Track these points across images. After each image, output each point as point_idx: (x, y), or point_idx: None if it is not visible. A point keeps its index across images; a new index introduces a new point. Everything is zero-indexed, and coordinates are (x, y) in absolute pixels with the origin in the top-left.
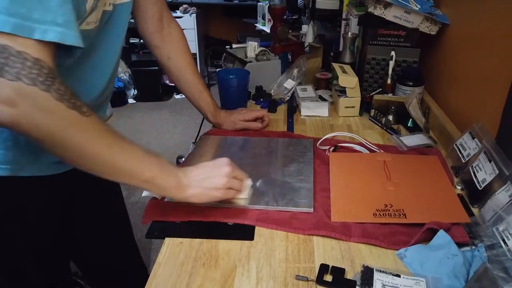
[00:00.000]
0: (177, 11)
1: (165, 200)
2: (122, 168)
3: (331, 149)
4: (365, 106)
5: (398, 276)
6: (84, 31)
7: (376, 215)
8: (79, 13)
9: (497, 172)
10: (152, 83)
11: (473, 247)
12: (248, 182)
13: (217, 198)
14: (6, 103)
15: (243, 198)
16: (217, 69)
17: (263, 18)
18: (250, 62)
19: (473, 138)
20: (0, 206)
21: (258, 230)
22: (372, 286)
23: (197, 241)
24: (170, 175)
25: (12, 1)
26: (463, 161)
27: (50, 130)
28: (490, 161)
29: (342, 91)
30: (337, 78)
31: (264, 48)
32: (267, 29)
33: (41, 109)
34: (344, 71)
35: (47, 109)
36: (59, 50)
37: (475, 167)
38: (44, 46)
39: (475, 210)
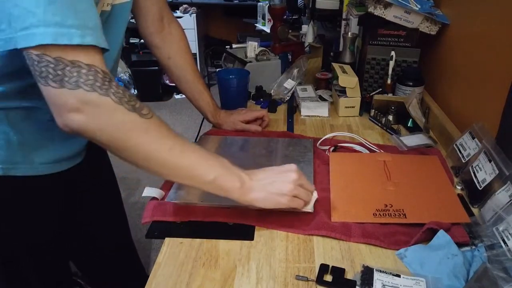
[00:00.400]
0: (177, 11)
1: (166, 199)
2: (185, 170)
3: (331, 149)
4: (365, 106)
5: (398, 276)
6: None
7: (376, 215)
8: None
9: (497, 172)
10: (152, 83)
11: (473, 247)
12: (315, 194)
13: (282, 205)
14: (73, 111)
15: (308, 211)
16: (217, 69)
17: (263, 18)
18: (250, 62)
19: (473, 138)
20: None
21: (258, 230)
22: (372, 286)
23: (197, 241)
24: (234, 177)
25: (46, 11)
26: (463, 161)
27: (112, 133)
28: (490, 161)
29: (342, 91)
30: (337, 78)
31: (264, 48)
32: (267, 29)
33: (103, 113)
34: (344, 71)
35: (109, 113)
36: None
37: (475, 167)
38: (92, 51)
39: (475, 210)
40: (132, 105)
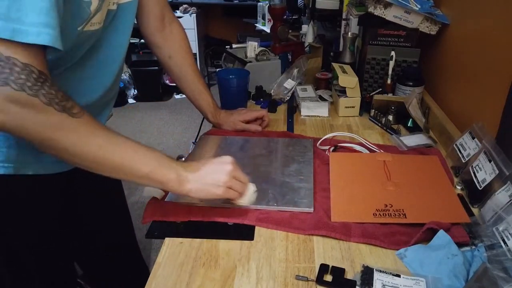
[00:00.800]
0: (177, 11)
1: (166, 199)
2: (117, 166)
3: (331, 149)
4: (365, 106)
5: (398, 276)
6: (88, 32)
7: (376, 215)
8: (82, 15)
9: (497, 172)
10: (152, 83)
11: (473, 247)
12: (252, 187)
13: (216, 195)
14: None
15: (244, 203)
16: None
17: (263, 18)
18: (250, 62)
19: (473, 138)
20: (3, 204)
21: (258, 230)
22: (372, 286)
23: (197, 241)
24: (169, 170)
25: (10, 6)
26: (463, 161)
27: (39, 133)
28: (490, 161)
29: (342, 91)
30: (337, 78)
31: (264, 48)
32: (267, 29)
33: (29, 114)
34: (344, 71)
35: (35, 113)
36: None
37: (475, 167)
38: (34, 50)
39: (475, 210)
40: (63, 106)
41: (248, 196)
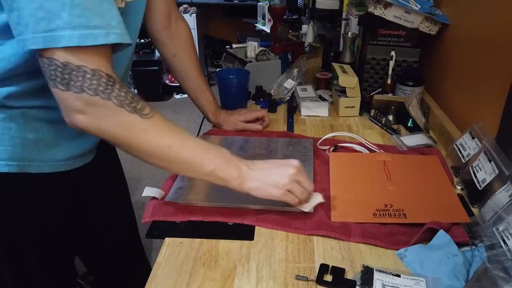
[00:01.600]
0: None
1: (166, 199)
2: (185, 163)
3: (331, 149)
4: (365, 106)
5: (398, 276)
6: None
7: (376, 215)
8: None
9: (497, 172)
10: (152, 83)
11: (473, 247)
12: (318, 197)
13: (274, 197)
14: (78, 112)
15: (304, 210)
16: (217, 69)
17: (263, 18)
18: (250, 62)
19: (473, 138)
20: (7, 202)
21: (258, 230)
22: (372, 286)
23: (197, 241)
24: (232, 167)
25: (71, 14)
26: (463, 161)
27: (115, 134)
28: (490, 161)
29: (342, 91)
30: (337, 78)
31: (264, 48)
32: (267, 29)
33: (106, 116)
34: (344, 71)
35: (110, 115)
36: None
37: (475, 167)
38: (100, 54)
39: (475, 210)
40: (133, 107)
41: (311, 204)
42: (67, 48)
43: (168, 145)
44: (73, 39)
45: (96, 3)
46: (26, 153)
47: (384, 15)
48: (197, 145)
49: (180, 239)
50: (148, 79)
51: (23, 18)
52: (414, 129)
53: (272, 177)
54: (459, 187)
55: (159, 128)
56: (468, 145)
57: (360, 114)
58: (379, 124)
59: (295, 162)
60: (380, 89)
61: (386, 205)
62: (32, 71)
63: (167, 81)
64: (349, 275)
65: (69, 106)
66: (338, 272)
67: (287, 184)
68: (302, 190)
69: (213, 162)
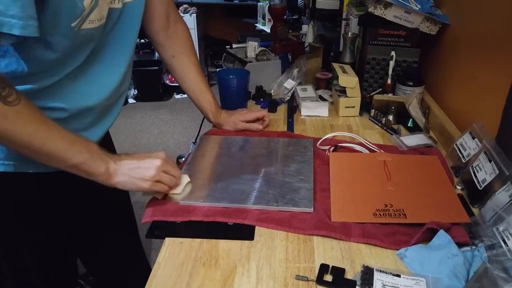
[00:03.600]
0: None
1: (166, 200)
2: (47, 154)
3: (331, 149)
4: (365, 106)
5: (398, 276)
6: (88, 30)
7: (376, 215)
8: (75, 11)
9: (497, 172)
10: (152, 83)
11: (473, 247)
12: (185, 178)
13: (143, 188)
14: None
15: (177, 193)
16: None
17: (263, 18)
18: (250, 62)
19: (473, 138)
20: (4, 202)
21: (258, 230)
22: (372, 286)
23: (197, 241)
24: (100, 162)
25: None
26: (463, 161)
27: None
28: (490, 161)
29: (342, 91)
30: (337, 78)
31: (264, 48)
32: (267, 29)
33: None
34: (344, 71)
35: None
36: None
37: (475, 167)
38: None
39: (475, 210)
40: None
41: (181, 186)
42: None
43: (29, 134)
44: None
45: None
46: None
47: (384, 15)
48: (63, 136)
49: (180, 239)
50: (148, 79)
51: None
52: (414, 129)
53: (139, 171)
54: (459, 187)
55: (22, 116)
56: (468, 145)
57: (360, 114)
58: (379, 124)
59: (161, 154)
60: (380, 89)
61: (386, 205)
62: (28, 74)
63: (167, 81)
64: (349, 275)
65: None
66: (338, 272)
67: (154, 176)
68: (171, 177)
69: (77, 156)
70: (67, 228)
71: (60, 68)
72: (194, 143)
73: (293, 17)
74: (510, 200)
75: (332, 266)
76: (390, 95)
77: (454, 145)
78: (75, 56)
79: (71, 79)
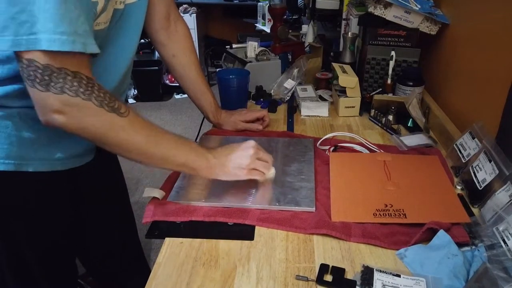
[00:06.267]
0: None
1: (167, 200)
2: (160, 157)
3: (331, 149)
4: (365, 106)
5: (398, 276)
6: (94, 32)
7: (376, 215)
8: (90, 17)
9: (497, 172)
10: (152, 83)
11: (473, 247)
12: (273, 170)
13: (241, 177)
14: (56, 111)
15: (270, 176)
16: (217, 69)
17: (263, 18)
18: (250, 62)
19: (473, 138)
20: (4, 201)
21: (258, 230)
22: (372, 286)
23: (197, 241)
24: (202, 158)
25: (50, 21)
26: (463, 161)
27: (95, 132)
28: (490, 161)
29: (342, 91)
30: (337, 78)
31: (264, 48)
32: (267, 29)
33: (85, 115)
34: (344, 71)
35: (90, 115)
36: None
37: (475, 167)
38: (79, 58)
39: (475, 210)
40: (112, 106)
41: (272, 170)
42: (48, 52)
43: (145, 141)
44: (54, 44)
45: (66, 11)
46: (22, 152)
47: (384, 15)
48: (169, 138)
49: (180, 239)
50: (148, 79)
51: (6, 20)
52: (414, 129)
53: (236, 161)
54: (459, 187)
55: (135, 125)
56: (468, 145)
57: (360, 114)
58: (379, 124)
59: (251, 142)
60: (380, 89)
61: (386, 205)
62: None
63: (167, 81)
64: (349, 275)
65: (47, 106)
66: (338, 272)
67: (250, 164)
68: (265, 163)
69: (185, 155)
70: (67, 227)
71: None
72: None
73: (293, 17)
74: (510, 200)
75: (332, 266)
76: (390, 95)
77: (454, 145)
78: None
79: None
